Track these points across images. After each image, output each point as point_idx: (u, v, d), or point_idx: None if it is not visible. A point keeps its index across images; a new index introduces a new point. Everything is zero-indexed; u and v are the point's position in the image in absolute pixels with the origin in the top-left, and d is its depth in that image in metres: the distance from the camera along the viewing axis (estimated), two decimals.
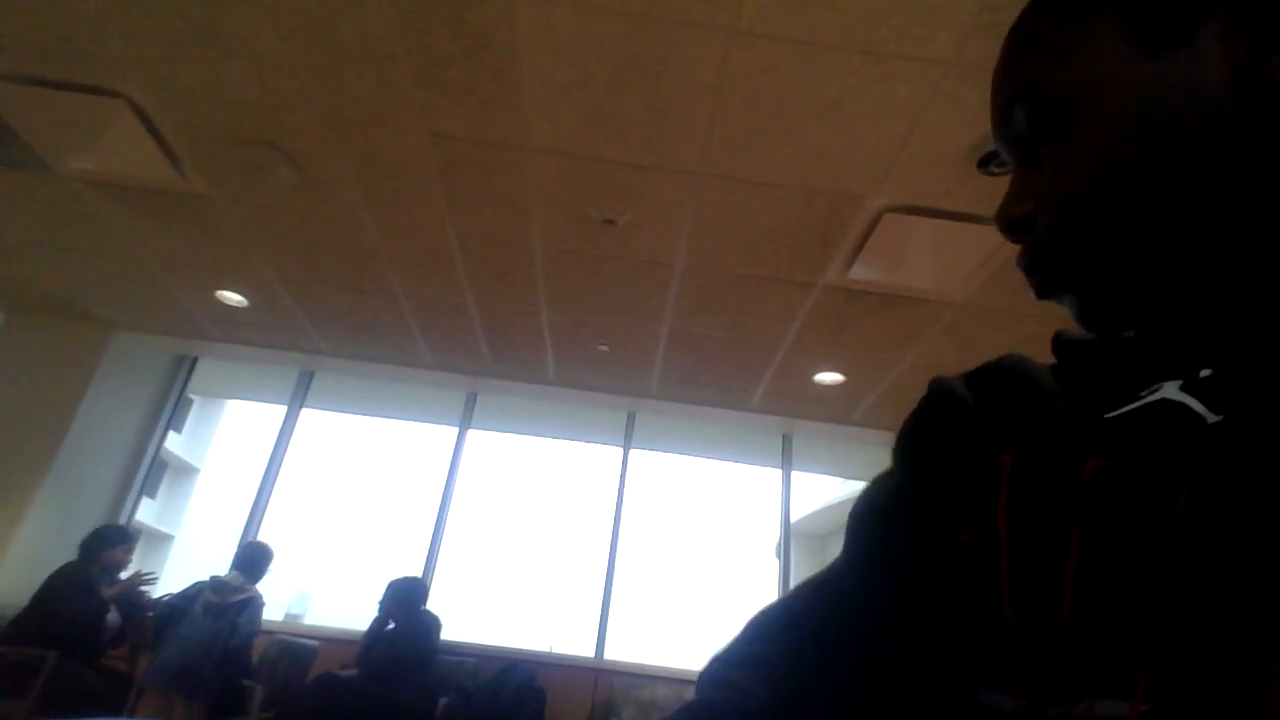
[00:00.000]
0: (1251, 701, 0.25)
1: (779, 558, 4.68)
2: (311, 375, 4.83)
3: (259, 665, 3.35)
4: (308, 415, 4.84)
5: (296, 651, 3.57)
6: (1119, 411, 0.33)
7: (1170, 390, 0.32)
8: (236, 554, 3.62)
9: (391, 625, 3.72)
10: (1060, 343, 0.41)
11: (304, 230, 3.09)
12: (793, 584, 4.36)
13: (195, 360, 4.89)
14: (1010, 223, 0.39)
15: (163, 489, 19.12)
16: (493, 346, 4.03)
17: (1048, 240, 0.37)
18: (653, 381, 4.21)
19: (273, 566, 3.71)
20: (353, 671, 3.63)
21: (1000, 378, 0.40)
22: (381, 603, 3.81)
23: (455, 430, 4.80)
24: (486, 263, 3.18)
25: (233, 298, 3.82)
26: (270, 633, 3.73)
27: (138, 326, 4.31)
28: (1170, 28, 0.33)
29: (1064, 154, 0.36)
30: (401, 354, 4.27)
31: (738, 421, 4.64)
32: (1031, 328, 3.14)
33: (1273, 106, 0.31)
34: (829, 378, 3.86)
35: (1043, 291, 0.39)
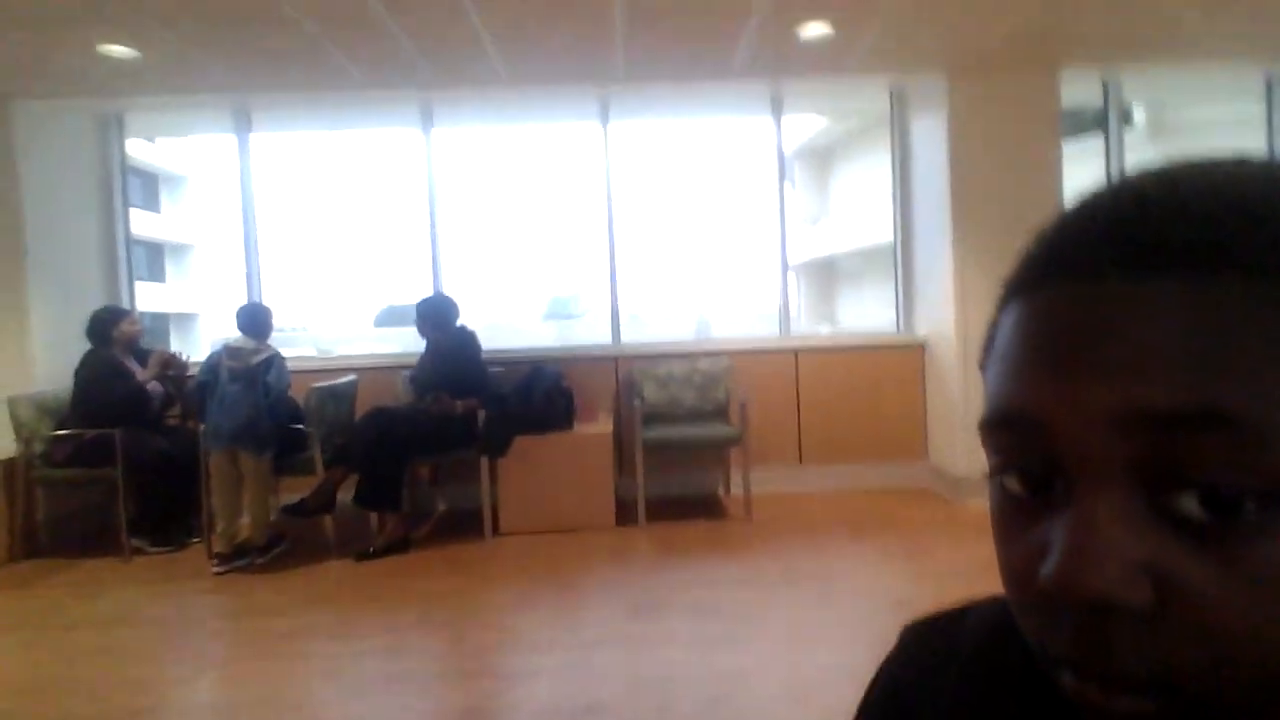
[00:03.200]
0: None
1: (779, 189, 4.63)
2: (249, 110, 4.39)
3: (307, 414, 3.65)
4: (258, 140, 4.52)
5: (338, 392, 3.85)
6: None
7: None
8: (237, 320, 3.68)
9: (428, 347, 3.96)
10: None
11: None
12: (791, 206, 4.41)
13: (121, 118, 4.44)
14: (1091, 591, 0.24)
15: (169, 274, 21.07)
16: (429, 57, 3.52)
17: (1194, 672, 0.24)
18: (617, 64, 3.72)
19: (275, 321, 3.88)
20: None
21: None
22: (416, 325, 4.01)
23: (419, 132, 4.48)
24: None
25: (118, 49, 3.29)
26: (305, 372, 4.00)
27: (33, 93, 3.83)
28: None
29: (1252, 565, 0.23)
30: (334, 79, 3.77)
31: (719, 86, 4.21)
32: None
33: None
34: (815, 30, 3.35)
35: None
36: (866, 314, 15.14)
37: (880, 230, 12.13)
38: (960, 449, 4.01)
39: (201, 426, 3.51)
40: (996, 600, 0.37)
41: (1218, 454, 0.22)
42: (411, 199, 4.59)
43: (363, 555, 3.44)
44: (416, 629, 2.71)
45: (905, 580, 2.98)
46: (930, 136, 4.17)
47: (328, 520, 3.53)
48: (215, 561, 3.34)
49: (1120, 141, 4.64)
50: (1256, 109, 4.85)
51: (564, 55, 3.60)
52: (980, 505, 3.89)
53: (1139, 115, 11.30)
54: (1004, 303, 0.30)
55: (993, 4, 3.18)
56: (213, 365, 3.56)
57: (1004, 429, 0.28)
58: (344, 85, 3.88)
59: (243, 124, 4.43)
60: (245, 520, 3.46)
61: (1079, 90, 4.31)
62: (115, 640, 2.68)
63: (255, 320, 3.69)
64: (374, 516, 3.59)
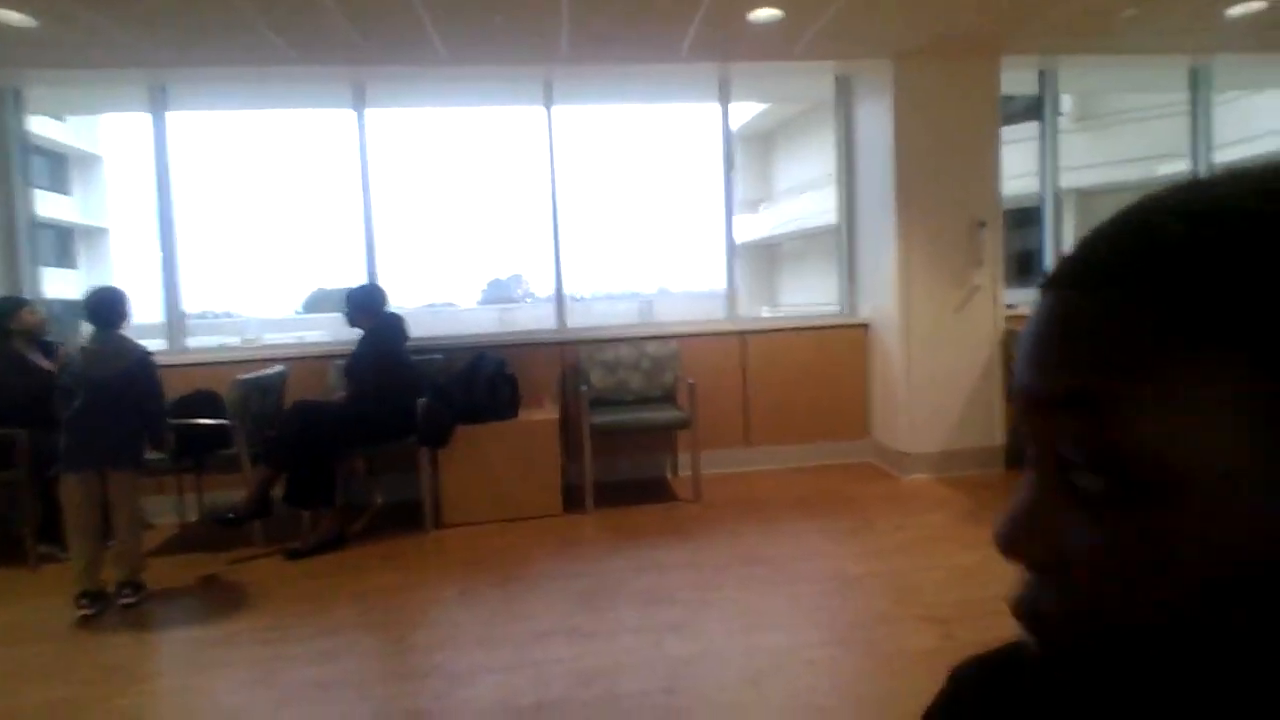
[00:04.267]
0: None
1: (724, 173, 4.60)
2: (165, 87, 4.09)
3: (229, 407, 3.44)
4: (177, 119, 4.23)
5: (264, 384, 3.65)
6: None
7: None
8: (86, 310, 2.99)
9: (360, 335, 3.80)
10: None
11: None
12: (737, 188, 4.53)
13: (19, 92, 4.08)
14: (1018, 554, 0.29)
15: (82, 260, 20.07)
16: (364, 33, 3.33)
17: (1061, 621, 0.28)
18: (562, 45, 3.60)
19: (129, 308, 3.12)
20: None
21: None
22: (347, 315, 3.84)
23: (352, 113, 4.26)
24: None
25: (12, 16, 3.00)
26: (229, 363, 3.79)
27: None
28: None
29: (1126, 539, 0.26)
30: (260, 55, 3.53)
31: (666, 68, 4.13)
32: None
33: None
34: (765, 14, 3.30)
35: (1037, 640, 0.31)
36: (809, 295, 15.37)
37: (822, 213, 12.31)
38: (902, 425, 4.08)
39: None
40: None
41: (1086, 431, 0.26)
42: (344, 181, 4.37)
43: (294, 554, 3.28)
44: (354, 629, 2.59)
45: (853, 557, 3.01)
46: (875, 122, 4.19)
47: None
48: (83, 603, 2.72)
49: (1055, 129, 4.76)
50: (1179, 97, 5.04)
51: (507, 35, 3.46)
52: (921, 481, 3.97)
53: (1066, 104, 11.71)
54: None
55: None
56: (76, 372, 2.92)
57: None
58: (271, 61, 3.64)
59: (159, 101, 4.13)
60: (117, 547, 2.86)
61: (1017, 78, 4.39)
62: (23, 657, 2.48)
63: (104, 309, 2.98)
64: (306, 513, 3.43)
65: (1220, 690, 0.25)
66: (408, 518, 3.68)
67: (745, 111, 16.62)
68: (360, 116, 4.27)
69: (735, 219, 4.64)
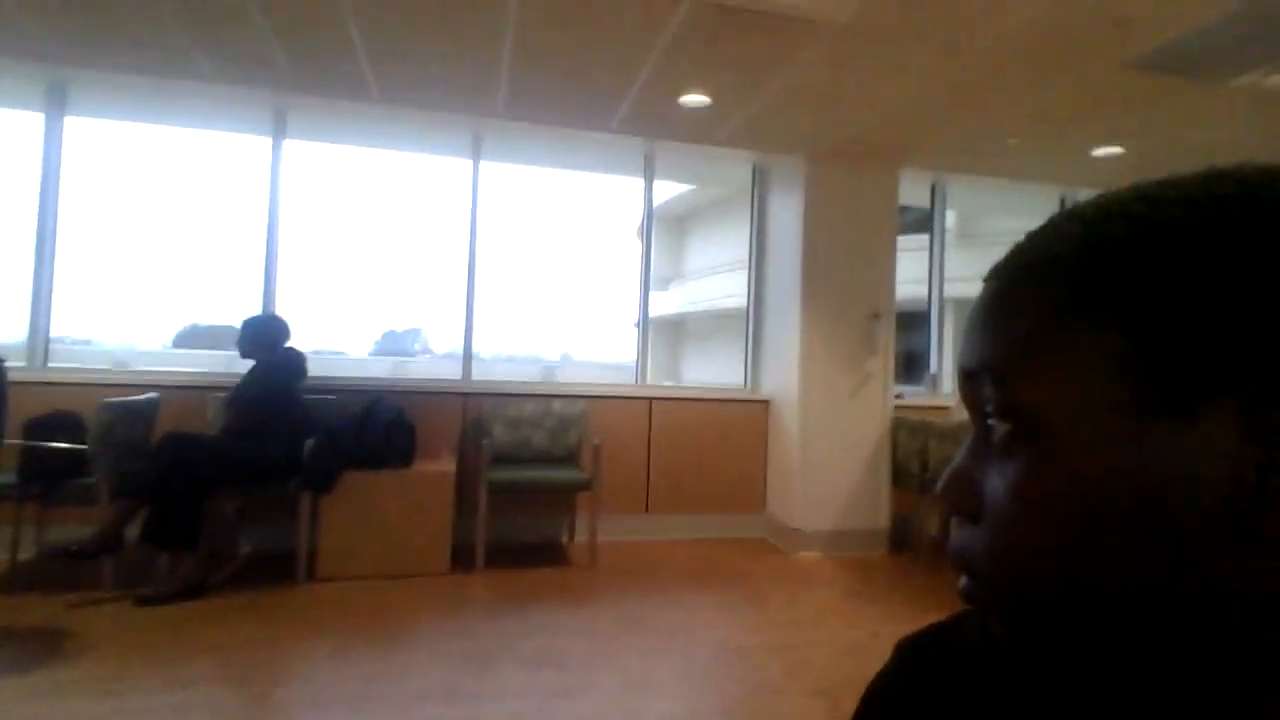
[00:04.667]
0: None
1: (644, 247, 4.73)
2: (65, 87, 3.85)
3: (90, 432, 3.13)
4: (74, 125, 3.97)
5: (134, 410, 3.35)
6: None
7: None
8: None
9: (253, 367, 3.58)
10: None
11: None
12: (654, 265, 4.73)
13: None
14: (952, 502, 0.34)
15: None
16: (291, 56, 3.28)
17: (982, 571, 0.33)
18: (498, 100, 3.68)
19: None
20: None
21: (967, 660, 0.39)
22: (240, 344, 3.61)
23: (269, 141, 4.14)
24: None
25: None
26: (97, 385, 3.47)
27: None
28: (1177, 385, 0.27)
29: (1016, 479, 0.31)
30: (174, 66, 3.40)
31: (597, 140, 4.28)
32: (916, 51, 2.91)
33: None
34: (695, 100, 3.51)
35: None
36: (711, 373, 15.77)
37: (729, 295, 12.81)
38: (796, 503, 4.19)
39: None
40: None
41: (995, 394, 0.32)
42: (249, 213, 4.19)
43: (147, 600, 2.96)
44: (211, 684, 2.33)
45: (745, 630, 3.01)
46: (787, 212, 4.47)
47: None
48: None
49: (943, 240, 5.23)
50: None
51: (444, 82, 3.49)
52: (812, 558, 4.07)
53: (951, 220, 12.89)
54: None
55: (850, 105, 3.49)
56: None
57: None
58: (187, 74, 3.51)
59: (56, 102, 3.88)
60: None
61: (912, 191, 4.83)
62: None
63: None
64: (166, 555, 3.11)
65: (1106, 613, 0.29)
66: (279, 569, 3.41)
67: (663, 192, 17.31)
68: (277, 146, 4.15)
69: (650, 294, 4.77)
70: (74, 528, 3.30)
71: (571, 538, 4.25)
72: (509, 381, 4.46)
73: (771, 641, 2.89)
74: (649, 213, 4.75)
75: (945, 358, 5.27)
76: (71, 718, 2.08)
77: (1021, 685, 0.36)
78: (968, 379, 0.34)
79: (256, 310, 4.08)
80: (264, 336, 3.62)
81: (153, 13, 2.91)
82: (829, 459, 4.21)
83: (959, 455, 0.34)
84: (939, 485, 0.35)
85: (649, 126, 3.97)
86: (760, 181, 4.84)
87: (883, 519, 4.31)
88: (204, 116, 4.27)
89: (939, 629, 0.43)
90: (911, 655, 0.43)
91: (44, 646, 2.54)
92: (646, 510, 4.40)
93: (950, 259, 5.32)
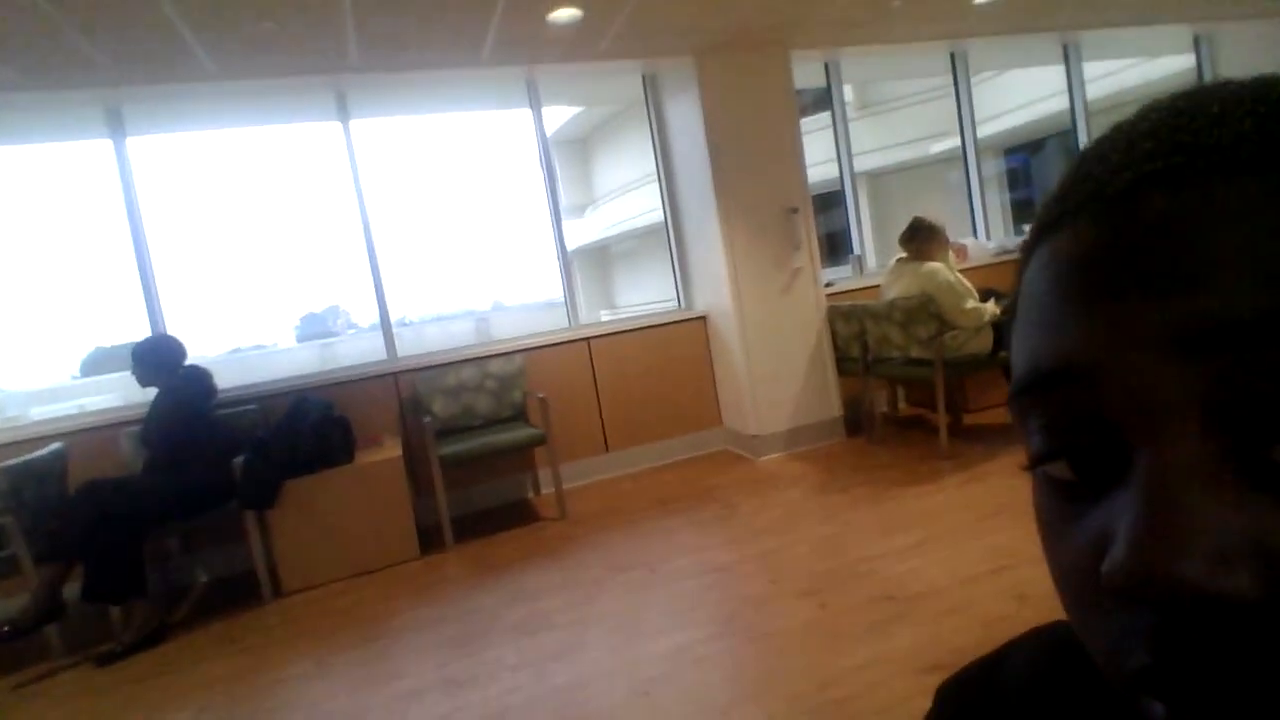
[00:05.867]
0: None
1: (546, 179, 4.52)
2: None
3: (2, 502, 2.86)
4: None
5: (37, 468, 3.08)
6: None
7: None
8: None
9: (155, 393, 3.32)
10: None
11: None
12: (560, 193, 4.51)
13: None
14: (1190, 594, 0.18)
15: None
16: (109, 51, 2.88)
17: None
18: (350, 53, 3.34)
19: None
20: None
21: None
22: (135, 374, 3.34)
23: (109, 143, 3.72)
24: None
25: None
26: None
27: None
28: None
29: None
30: None
31: (473, 74, 3.98)
32: None
33: None
34: (564, 14, 3.25)
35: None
36: (645, 294, 15.70)
37: (647, 211, 12.58)
38: (749, 409, 4.22)
39: None
40: (1037, 633, 0.35)
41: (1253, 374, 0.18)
42: (107, 220, 3.80)
43: (108, 657, 2.79)
44: None
45: (722, 546, 3.04)
46: (685, 118, 4.29)
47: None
48: None
49: (844, 117, 5.14)
50: (943, 81, 5.63)
51: (284, 44, 3.14)
52: (775, 460, 4.13)
53: (849, 94, 12.82)
54: (1029, 251, 0.25)
55: None
56: None
57: (1038, 393, 0.23)
58: (3, 88, 3.08)
59: None
60: None
61: (806, 71, 4.69)
62: None
63: None
64: (115, 608, 2.94)
65: None
66: (242, 591, 3.27)
67: (559, 116, 16.66)
68: (120, 145, 3.73)
69: (564, 225, 4.58)
70: (7, 602, 3.09)
71: (537, 493, 4.21)
72: (438, 352, 4.27)
73: (750, 552, 2.92)
74: (544, 144, 4.50)
75: (866, 236, 5.28)
76: None
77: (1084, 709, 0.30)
78: (1221, 347, 0.19)
79: (145, 323, 3.76)
80: (155, 360, 3.35)
81: None
82: (773, 361, 4.22)
83: (1177, 495, 0.19)
84: (1141, 560, 0.19)
85: (523, 53, 3.70)
86: (653, 90, 4.62)
87: (835, 408, 4.38)
88: (35, 129, 3.82)
89: (980, 667, 0.37)
90: (954, 700, 0.38)
91: None
92: (606, 449, 4.37)
93: (855, 132, 5.26)
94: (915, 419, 4.66)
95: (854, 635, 2.16)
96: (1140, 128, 0.23)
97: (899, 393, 4.88)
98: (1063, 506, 0.24)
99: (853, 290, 4.70)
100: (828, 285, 4.55)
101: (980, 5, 4.07)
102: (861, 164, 5.30)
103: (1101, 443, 0.22)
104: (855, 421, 4.41)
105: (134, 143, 3.78)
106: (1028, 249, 0.26)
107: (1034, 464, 0.25)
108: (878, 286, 4.26)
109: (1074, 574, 0.23)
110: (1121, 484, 0.21)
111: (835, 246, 5.80)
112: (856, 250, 5.11)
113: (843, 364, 4.35)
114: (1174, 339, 0.19)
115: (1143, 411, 0.20)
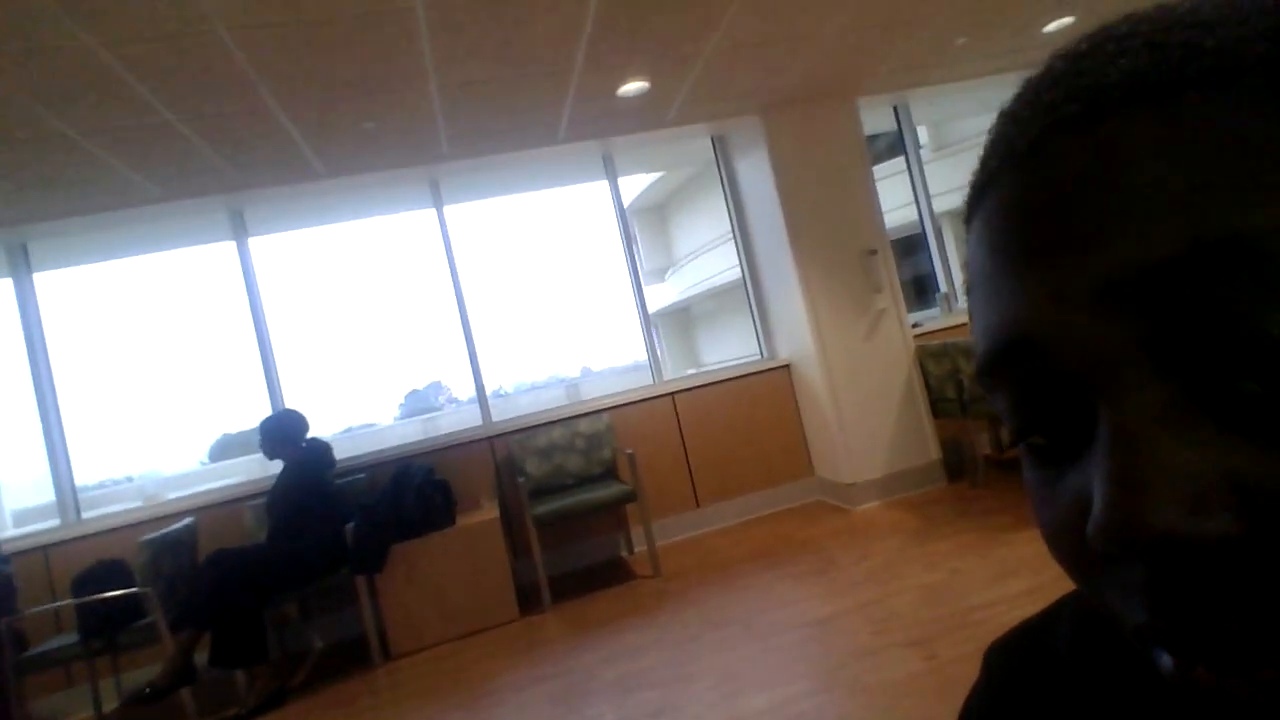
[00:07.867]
0: None
1: (625, 246, 4.66)
2: (25, 245, 3.88)
3: (138, 573, 3.13)
4: (45, 280, 4.00)
5: (172, 541, 3.35)
6: None
7: None
8: None
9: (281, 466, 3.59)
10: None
11: None
12: (640, 258, 4.62)
13: None
14: (1169, 542, 0.18)
15: None
16: (233, 160, 3.27)
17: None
18: (441, 143, 3.64)
19: None
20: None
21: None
22: (262, 448, 3.62)
23: (233, 245, 4.14)
24: (167, 70, 2.38)
25: None
26: (130, 526, 3.49)
27: None
28: None
29: None
30: (125, 197, 3.41)
31: (551, 152, 4.23)
32: None
33: None
34: (633, 87, 3.44)
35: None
36: (728, 350, 15.68)
37: (725, 270, 12.70)
38: (842, 457, 4.11)
39: None
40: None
41: (1249, 299, 0.17)
42: (233, 316, 4.20)
43: None
44: None
45: (821, 598, 2.94)
46: (756, 174, 4.38)
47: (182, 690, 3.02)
48: None
49: (919, 159, 5.11)
50: None
51: (382, 141, 3.46)
52: (872, 509, 3.98)
53: (924, 136, 12.70)
54: (967, 225, 0.25)
55: (787, 51, 3.40)
56: None
57: (999, 370, 0.23)
58: (137, 201, 3.52)
59: (20, 265, 3.90)
60: None
61: (876, 117, 4.72)
62: None
63: None
64: (240, 673, 3.11)
65: None
66: (354, 656, 3.40)
67: (636, 185, 17.24)
68: (243, 246, 4.15)
69: (645, 289, 4.70)
70: (149, 669, 3.33)
71: (630, 551, 4.21)
72: (528, 414, 4.42)
73: (851, 604, 2.81)
74: (621, 211, 4.69)
75: (952, 273, 5.15)
76: None
77: (1128, 692, 0.29)
78: (1153, 289, 0.18)
79: (267, 410, 4.09)
80: (281, 434, 3.62)
81: (89, 155, 2.91)
82: (863, 405, 4.12)
83: (1141, 445, 0.19)
84: (1117, 516, 0.18)
85: (596, 127, 3.91)
86: (723, 150, 4.75)
87: (933, 451, 4.21)
88: (163, 236, 4.29)
89: (1028, 630, 0.37)
90: (1002, 665, 0.38)
91: None
92: (697, 505, 4.34)
93: (931, 174, 5.20)
94: None
95: (966, 686, 2.03)
96: (1045, 77, 0.23)
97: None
98: (1045, 473, 0.23)
99: (942, 330, 4.56)
100: (915, 326, 4.45)
101: (1049, 32, 4.02)
102: (943, 204, 5.20)
103: (1068, 406, 0.21)
104: (956, 465, 4.21)
105: (254, 242, 4.20)
106: (966, 223, 0.25)
107: (1013, 442, 0.24)
108: (967, 324, 4.11)
109: (1064, 540, 0.23)
110: (1093, 444, 0.20)
111: (922, 290, 5.67)
112: (943, 288, 4.98)
113: (938, 405, 4.19)
114: (1104, 291, 0.19)
115: (1095, 369, 0.20)
